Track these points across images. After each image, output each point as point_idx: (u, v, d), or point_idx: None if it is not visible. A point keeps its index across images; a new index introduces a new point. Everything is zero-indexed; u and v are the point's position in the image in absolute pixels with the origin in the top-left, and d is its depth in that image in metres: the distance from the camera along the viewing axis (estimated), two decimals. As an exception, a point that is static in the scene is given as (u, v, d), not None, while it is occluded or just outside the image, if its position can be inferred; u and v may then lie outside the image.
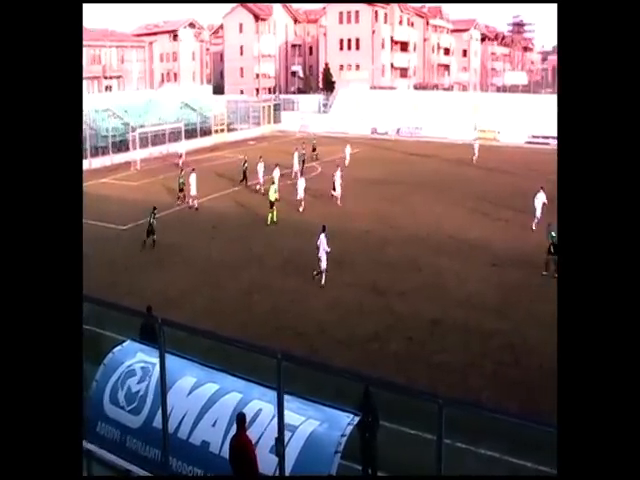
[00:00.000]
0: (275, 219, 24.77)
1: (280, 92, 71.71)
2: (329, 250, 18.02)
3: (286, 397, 7.36)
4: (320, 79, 73.99)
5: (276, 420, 7.13)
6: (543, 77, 77.89)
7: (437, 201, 28.98)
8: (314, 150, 40.35)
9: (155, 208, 21.82)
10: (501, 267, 19.41)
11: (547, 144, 49.17)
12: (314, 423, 7.78)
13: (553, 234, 17.85)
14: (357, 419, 7.91)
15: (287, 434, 7.36)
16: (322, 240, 18.06)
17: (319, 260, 17.99)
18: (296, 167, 34.07)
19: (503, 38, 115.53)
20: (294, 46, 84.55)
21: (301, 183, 27.02)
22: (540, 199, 23.63)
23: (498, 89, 65.57)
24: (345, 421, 7.83)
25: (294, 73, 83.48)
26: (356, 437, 8.68)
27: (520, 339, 14.44)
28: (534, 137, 51.12)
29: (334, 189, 27.94)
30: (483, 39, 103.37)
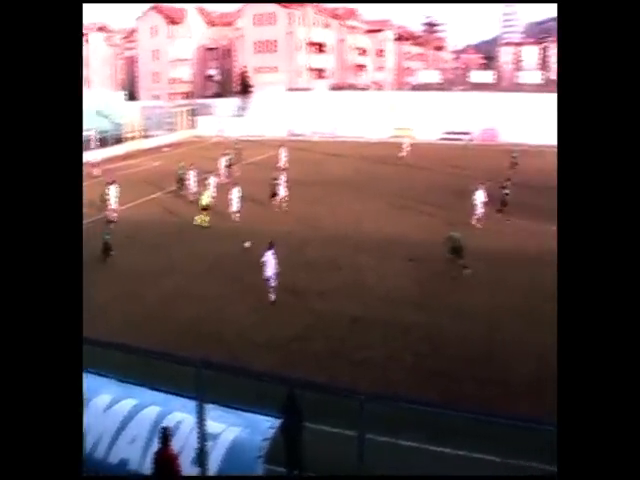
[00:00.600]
0: (207, 224, 24.62)
1: (196, 97, 70.80)
2: (277, 271, 16.55)
3: (207, 406, 7.35)
4: (237, 82, 73.55)
5: (197, 430, 7.12)
6: (455, 75, 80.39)
7: (356, 200, 29.50)
8: (238, 154, 39.84)
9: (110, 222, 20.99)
10: (418, 262, 19.96)
11: (460, 140, 50.92)
12: (235, 430, 7.80)
13: (453, 235, 18.49)
14: (278, 422, 7.98)
15: (209, 443, 7.37)
16: (269, 258, 16.54)
17: (267, 281, 16.62)
18: (222, 171, 33.69)
19: (417, 38, 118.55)
20: (210, 49, 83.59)
21: (235, 192, 25.54)
22: (479, 195, 24.43)
23: (413, 88, 67.32)
24: (266, 425, 7.89)
25: (210, 77, 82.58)
26: (280, 440, 8.76)
27: (437, 330, 14.94)
28: (447, 133, 52.89)
29: (275, 194, 27.47)
30: (398, 39, 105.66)
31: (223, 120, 60.03)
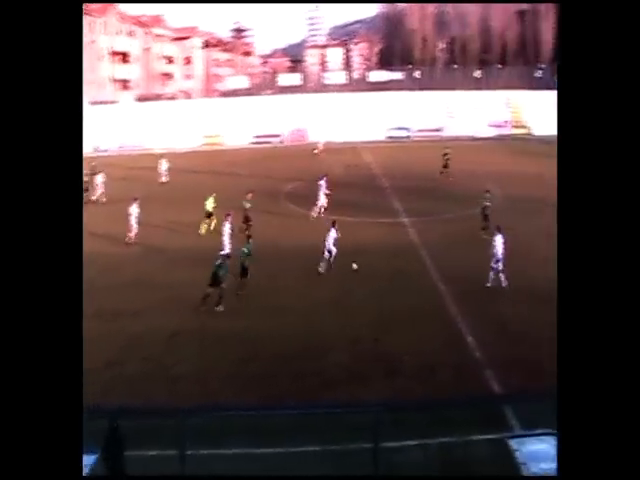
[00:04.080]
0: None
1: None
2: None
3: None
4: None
5: None
6: (264, 79, 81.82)
7: (166, 211, 28.83)
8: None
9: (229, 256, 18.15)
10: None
11: (269, 143, 52.00)
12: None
13: (245, 250, 18.57)
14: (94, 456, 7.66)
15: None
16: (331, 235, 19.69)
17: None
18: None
19: (225, 44, 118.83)
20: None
21: (133, 209, 23.95)
22: (322, 187, 26.42)
23: (222, 94, 67.40)
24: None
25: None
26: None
27: (254, 333, 15.12)
28: (257, 137, 53.72)
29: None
30: (205, 46, 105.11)
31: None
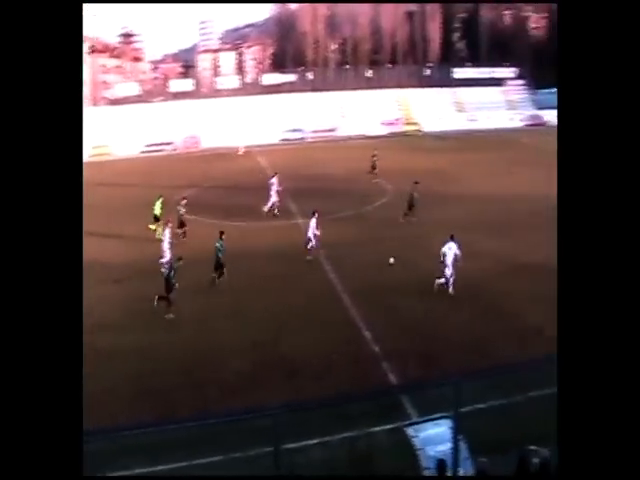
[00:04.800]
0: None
1: None
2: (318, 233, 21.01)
3: None
4: None
5: None
6: (155, 85, 79.92)
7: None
8: None
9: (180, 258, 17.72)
10: (122, 283, 19.46)
11: (161, 151, 50.85)
12: None
13: (218, 245, 18.60)
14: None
15: None
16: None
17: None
18: None
19: (113, 50, 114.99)
20: None
21: None
22: (274, 185, 27.39)
23: (110, 102, 65.15)
24: None
25: None
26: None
27: (150, 348, 14.71)
28: (149, 146, 52.36)
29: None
30: (92, 52, 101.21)
31: None
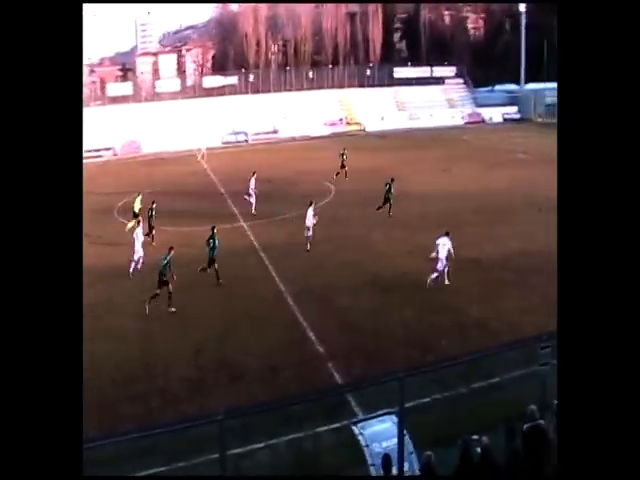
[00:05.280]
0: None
1: None
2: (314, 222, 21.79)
3: None
4: None
5: None
6: (92, 89, 77.98)
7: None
8: None
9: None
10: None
11: (101, 157, 49.74)
12: None
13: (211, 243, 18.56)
14: None
15: None
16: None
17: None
18: None
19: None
20: None
21: None
22: (251, 186, 27.88)
23: (46, 108, 63.23)
24: None
25: None
26: None
27: (89, 360, 14.30)
28: (87, 152, 50.89)
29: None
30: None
31: None
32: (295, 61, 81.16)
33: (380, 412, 10.56)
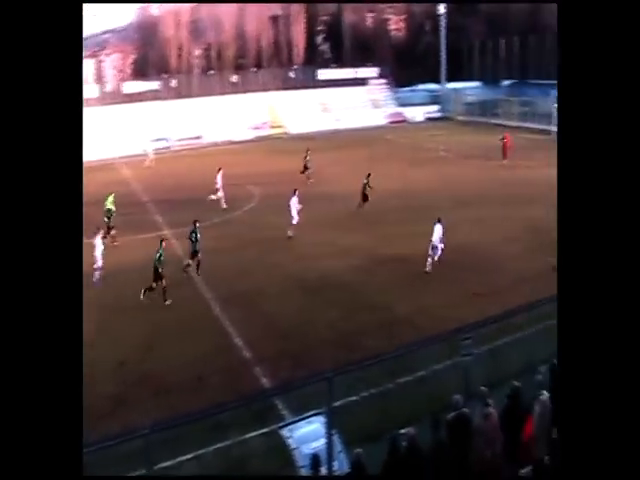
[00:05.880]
0: None
1: None
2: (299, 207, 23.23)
3: None
4: None
5: None
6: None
7: None
8: None
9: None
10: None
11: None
12: None
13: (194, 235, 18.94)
14: None
15: None
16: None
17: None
18: None
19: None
20: None
21: None
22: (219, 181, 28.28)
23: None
24: None
25: None
26: None
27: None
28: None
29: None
30: None
31: None
32: (218, 65, 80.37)
33: (308, 414, 10.58)
